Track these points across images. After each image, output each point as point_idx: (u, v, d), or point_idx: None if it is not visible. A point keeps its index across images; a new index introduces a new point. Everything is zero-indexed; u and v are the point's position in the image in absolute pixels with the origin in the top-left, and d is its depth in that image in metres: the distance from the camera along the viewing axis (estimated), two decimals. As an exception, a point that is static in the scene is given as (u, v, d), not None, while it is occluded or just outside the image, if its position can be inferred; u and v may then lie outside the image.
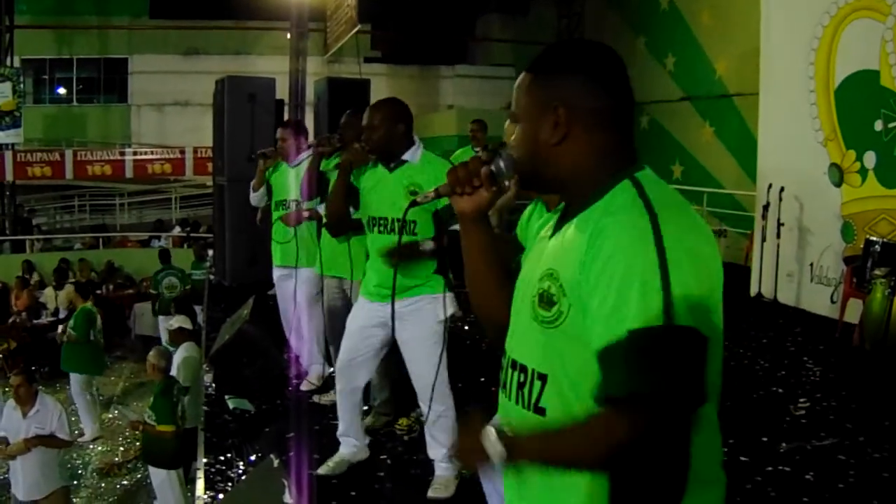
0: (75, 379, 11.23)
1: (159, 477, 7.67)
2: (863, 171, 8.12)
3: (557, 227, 1.78)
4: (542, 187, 1.88)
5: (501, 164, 1.89)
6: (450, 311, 4.33)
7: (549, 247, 1.75)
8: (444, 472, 4.53)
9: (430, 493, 4.48)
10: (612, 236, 1.55)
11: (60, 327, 12.48)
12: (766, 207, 9.21)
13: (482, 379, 6.25)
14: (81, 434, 11.06)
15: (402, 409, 5.61)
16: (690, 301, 1.49)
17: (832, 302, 8.37)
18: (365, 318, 4.55)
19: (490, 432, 1.64)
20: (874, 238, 7.31)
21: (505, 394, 1.80)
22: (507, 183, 1.97)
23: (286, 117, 12.76)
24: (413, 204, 2.11)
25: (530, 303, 1.71)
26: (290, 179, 6.45)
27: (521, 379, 1.73)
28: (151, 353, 8.02)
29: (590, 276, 1.55)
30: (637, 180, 1.67)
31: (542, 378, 1.68)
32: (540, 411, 1.68)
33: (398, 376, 4.59)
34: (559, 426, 1.62)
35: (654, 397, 1.46)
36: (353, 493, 4.57)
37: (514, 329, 1.82)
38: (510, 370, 1.79)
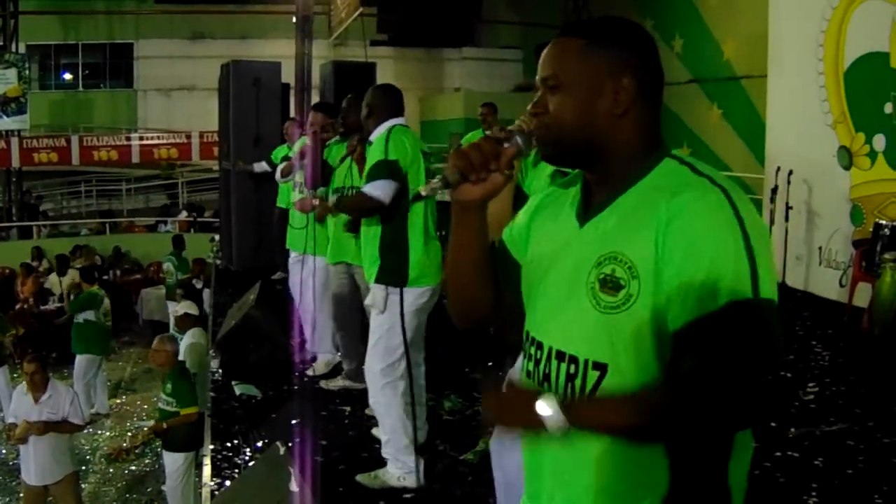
0: (80, 361, 11.27)
1: (176, 462, 7.65)
2: (872, 154, 8.07)
3: (586, 206, 1.70)
4: (576, 160, 1.74)
5: (519, 140, 1.73)
6: (370, 304, 4.54)
7: (598, 230, 1.65)
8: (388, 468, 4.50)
9: (359, 477, 4.49)
10: (696, 215, 1.51)
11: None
12: (774, 191, 9.15)
13: (489, 363, 6.24)
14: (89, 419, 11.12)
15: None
16: (769, 274, 1.50)
17: (841, 286, 8.34)
18: None
19: (548, 396, 1.51)
20: (883, 221, 7.28)
21: (548, 386, 1.69)
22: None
23: (292, 101, 12.74)
24: (417, 198, 1.99)
25: (587, 289, 1.62)
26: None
27: (572, 370, 1.64)
28: (156, 342, 8.00)
29: (674, 255, 1.50)
30: (680, 157, 1.65)
31: (601, 368, 1.59)
32: None
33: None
34: (626, 393, 1.55)
35: (746, 366, 1.44)
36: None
37: (553, 318, 1.71)
38: (554, 361, 1.68)
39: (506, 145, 1.74)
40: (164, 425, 7.58)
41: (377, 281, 4.43)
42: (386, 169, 4.37)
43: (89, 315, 11.26)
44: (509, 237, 1.91)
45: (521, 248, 1.87)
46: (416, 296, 4.41)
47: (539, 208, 1.87)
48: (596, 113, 1.65)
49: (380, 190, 4.35)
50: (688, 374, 1.47)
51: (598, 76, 1.64)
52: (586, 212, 1.70)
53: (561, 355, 1.67)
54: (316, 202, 5.85)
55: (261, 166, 9.18)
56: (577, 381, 1.63)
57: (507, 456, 3.17)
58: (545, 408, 1.49)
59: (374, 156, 4.47)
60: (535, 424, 1.49)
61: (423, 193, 1.86)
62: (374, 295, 4.43)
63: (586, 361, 1.62)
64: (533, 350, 1.75)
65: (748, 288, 1.47)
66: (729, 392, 1.43)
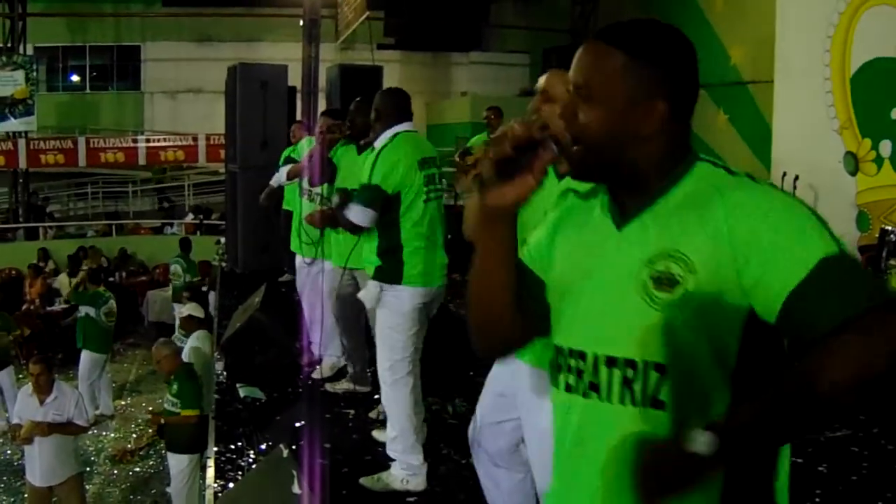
0: (85, 358, 11.30)
1: (181, 464, 7.67)
2: (878, 160, 8.07)
3: (622, 211, 1.66)
4: (602, 174, 1.68)
5: (555, 148, 1.60)
6: (363, 297, 4.55)
7: (643, 230, 1.61)
8: (392, 470, 4.51)
9: (362, 480, 4.50)
10: (759, 206, 1.51)
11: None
12: (780, 196, 9.13)
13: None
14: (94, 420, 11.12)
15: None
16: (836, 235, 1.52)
17: (846, 291, 8.30)
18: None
19: (695, 431, 1.40)
20: (889, 227, 7.27)
21: (595, 397, 1.63)
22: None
23: (298, 104, 12.72)
24: (461, 160, 1.87)
25: (639, 288, 1.57)
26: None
27: (630, 375, 1.57)
28: (154, 351, 8.02)
29: (745, 247, 1.47)
30: (712, 161, 1.65)
31: (661, 368, 1.54)
32: (658, 405, 1.55)
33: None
34: (771, 387, 1.46)
35: (883, 300, 1.44)
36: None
37: (599, 324, 1.64)
38: (604, 369, 1.61)
39: (553, 150, 1.62)
40: (162, 420, 7.60)
41: (374, 278, 4.50)
42: (365, 196, 4.49)
43: (90, 311, 11.31)
44: (529, 256, 1.84)
45: (545, 263, 1.81)
46: (410, 294, 4.42)
47: (559, 222, 1.82)
48: (625, 131, 1.61)
49: (358, 217, 4.50)
50: (840, 325, 1.40)
51: (633, 96, 1.60)
52: (622, 216, 1.67)
53: (612, 361, 1.61)
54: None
55: (277, 179, 9.02)
56: (637, 386, 1.57)
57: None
58: (702, 443, 1.39)
59: (363, 172, 4.57)
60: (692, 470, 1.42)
61: (456, 159, 1.74)
62: (368, 290, 4.49)
63: (645, 363, 1.56)
64: (573, 362, 1.68)
65: (833, 242, 1.46)
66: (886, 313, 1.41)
